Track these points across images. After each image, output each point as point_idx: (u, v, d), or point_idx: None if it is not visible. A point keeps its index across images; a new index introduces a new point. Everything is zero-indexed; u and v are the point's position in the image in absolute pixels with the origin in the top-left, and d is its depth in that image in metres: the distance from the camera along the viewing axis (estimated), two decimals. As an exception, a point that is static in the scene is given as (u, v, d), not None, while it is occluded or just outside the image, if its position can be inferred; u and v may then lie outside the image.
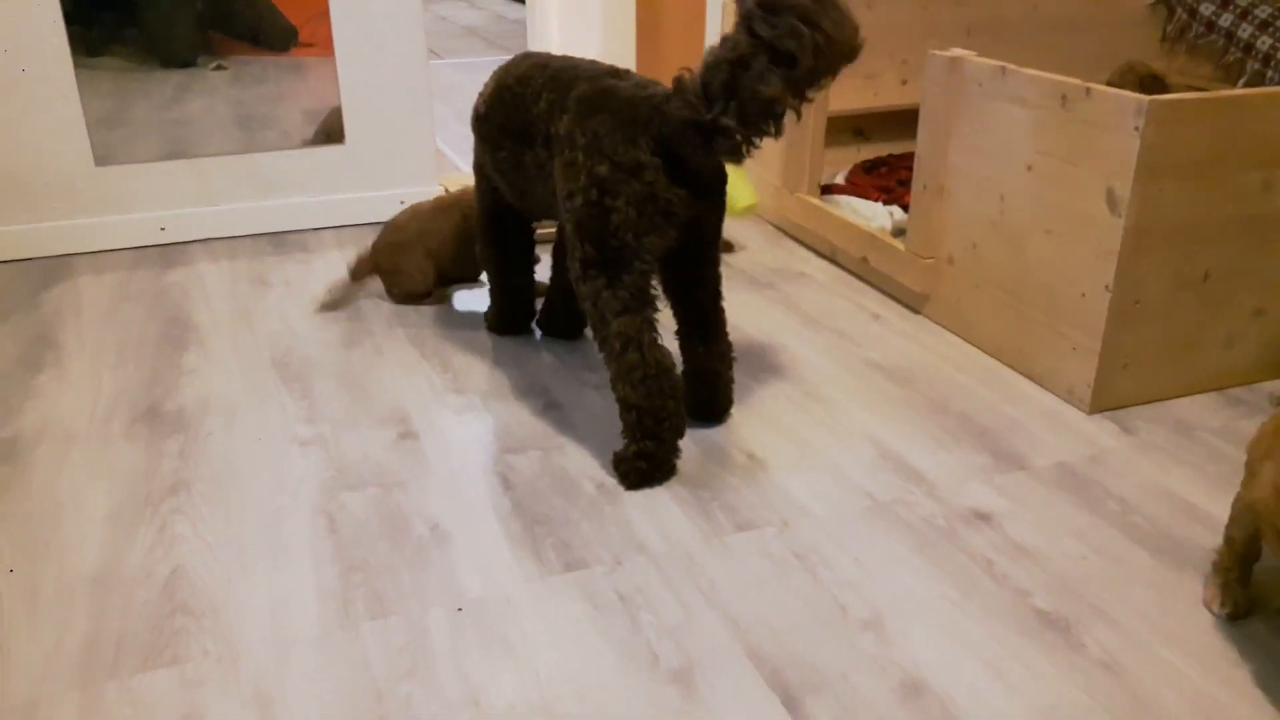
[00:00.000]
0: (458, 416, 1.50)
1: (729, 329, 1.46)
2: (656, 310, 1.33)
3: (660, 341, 1.32)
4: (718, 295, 1.42)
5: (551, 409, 1.52)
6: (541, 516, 1.26)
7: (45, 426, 1.47)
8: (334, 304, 1.88)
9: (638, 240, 1.29)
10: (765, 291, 1.95)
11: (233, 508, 1.28)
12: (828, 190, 2.26)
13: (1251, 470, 1.04)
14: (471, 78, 4.20)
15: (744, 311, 1.86)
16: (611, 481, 1.33)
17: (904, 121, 2.43)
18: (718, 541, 1.22)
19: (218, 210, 2.24)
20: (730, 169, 1.41)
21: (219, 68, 2.24)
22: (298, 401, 1.54)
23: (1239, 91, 1.40)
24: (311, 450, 1.41)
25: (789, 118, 1.25)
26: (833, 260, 2.10)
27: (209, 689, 0.99)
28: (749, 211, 1.40)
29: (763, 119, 1.23)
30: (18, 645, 1.05)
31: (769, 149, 2.21)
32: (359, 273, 1.88)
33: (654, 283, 1.34)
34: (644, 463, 1.31)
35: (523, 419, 1.49)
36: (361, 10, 2.18)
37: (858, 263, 2.01)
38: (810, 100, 1.26)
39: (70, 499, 1.30)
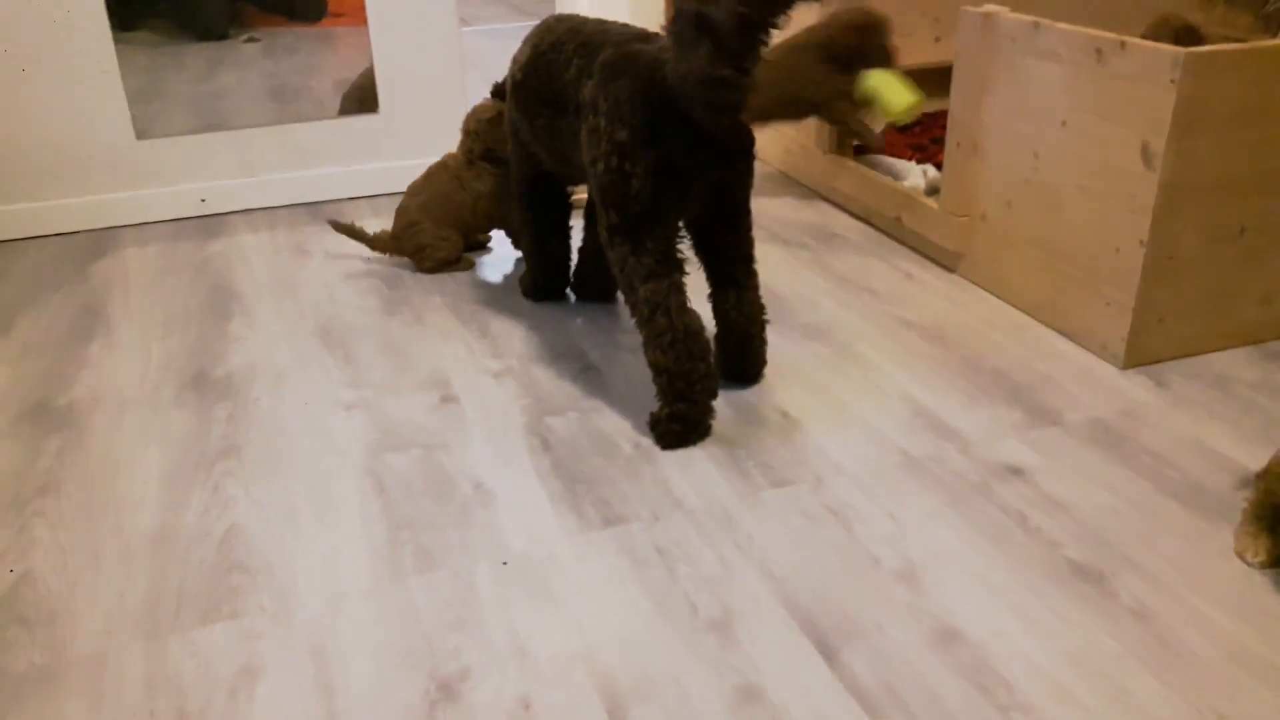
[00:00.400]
0: (496, 380, 1.53)
1: (761, 289, 1.47)
2: (684, 274, 1.34)
3: (689, 305, 1.33)
4: (749, 258, 1.43)
5: (588, 371, 1.54)
6: (581, 475, 1.29)
7: (99, 394, 1.52)
8: (346, 233, 1.90)
9: (658, 206, 1.30)
10: (798, 252, 1.96)
11: (282, 469, 1.32)
12: (860, 150, 2.26)
13: None
14: (501, 44, 4.20)
15: (777, 272, 1.87)
16: (648, 441, 1.36)
17: (937, 79, 2.41)
18: (753, 498, 1.24)
19: (256, 181, 2.27)
20: (882, 73, 1.35)
21: (251, 40, 2.27)
22: (341, 367, 1.58)
23: (1278, 43, 1.39)
24: (356, 414, 1.45)
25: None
26: (866, 220, 2.10)
27: (266, 641, 1.04)
28: (911, 112, 1.34)
29: (711, 90, 1.20)
30: (84, 601, 1.10)
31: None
32: (376, 244, 1.91)
33: (682, 246, 1.35)
34: (678, 424, 1.34)
35: (560, 381, 1.52)
36: (392, -21, 2.20)
37: (891, 222, 2.01)
38: (748, 73, 1.19)
39: (126, 463, 1.35)
